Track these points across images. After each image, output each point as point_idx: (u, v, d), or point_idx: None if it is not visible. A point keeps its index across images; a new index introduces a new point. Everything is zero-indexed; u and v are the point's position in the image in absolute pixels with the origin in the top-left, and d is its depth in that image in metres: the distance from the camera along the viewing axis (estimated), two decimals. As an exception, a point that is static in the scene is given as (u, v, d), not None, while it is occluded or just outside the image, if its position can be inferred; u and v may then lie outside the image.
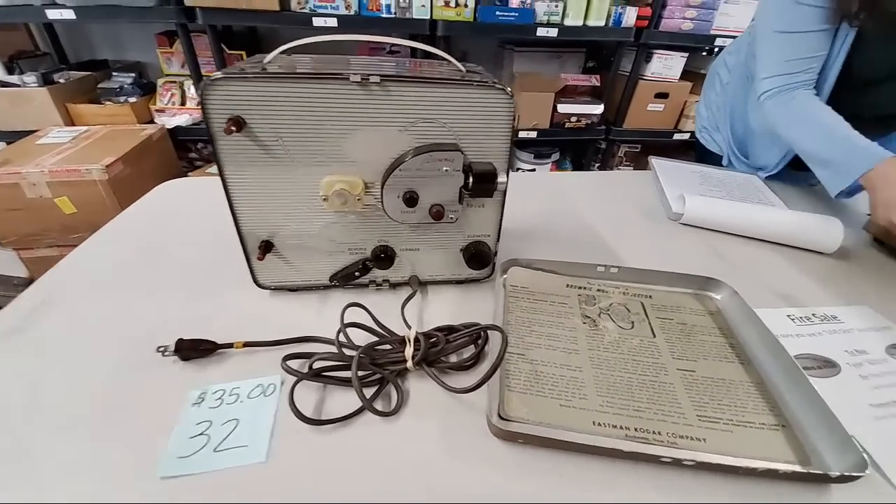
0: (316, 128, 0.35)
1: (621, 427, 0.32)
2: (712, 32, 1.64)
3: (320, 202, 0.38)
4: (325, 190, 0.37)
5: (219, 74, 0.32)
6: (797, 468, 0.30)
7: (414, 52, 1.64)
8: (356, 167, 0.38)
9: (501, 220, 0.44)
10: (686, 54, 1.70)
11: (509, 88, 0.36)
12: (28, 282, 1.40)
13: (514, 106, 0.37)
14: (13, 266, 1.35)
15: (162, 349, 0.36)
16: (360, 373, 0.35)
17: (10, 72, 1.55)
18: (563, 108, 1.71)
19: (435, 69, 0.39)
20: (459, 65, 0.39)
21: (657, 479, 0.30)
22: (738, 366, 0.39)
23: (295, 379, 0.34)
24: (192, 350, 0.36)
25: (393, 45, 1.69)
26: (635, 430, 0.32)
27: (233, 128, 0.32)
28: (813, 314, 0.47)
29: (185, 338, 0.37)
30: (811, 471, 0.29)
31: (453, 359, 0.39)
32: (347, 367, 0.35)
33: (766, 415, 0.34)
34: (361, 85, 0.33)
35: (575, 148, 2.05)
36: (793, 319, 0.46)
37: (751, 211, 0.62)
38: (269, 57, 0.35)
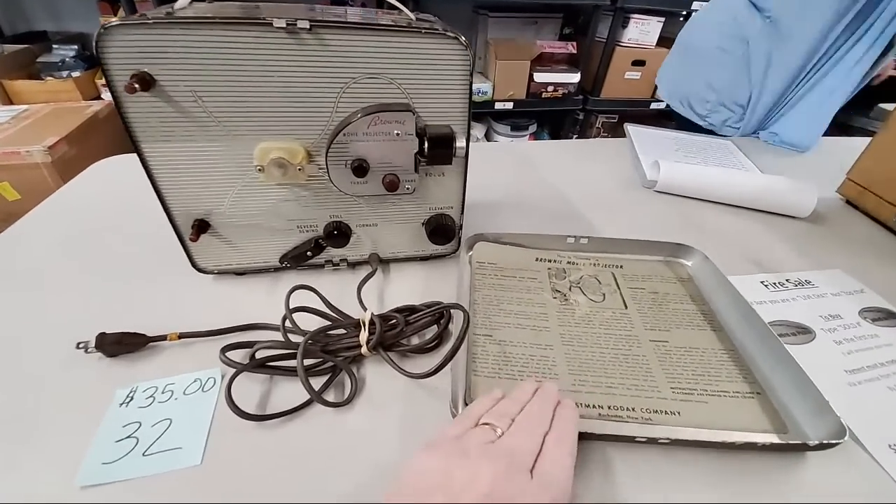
0: (240, 85, 0.30)
1: (594, 406, 0.30)
2: (690, -5, 1.59)
3: (256, 174, 0.34)
4: (260, 159, 0.33)
5: (115, 21, 0.27)
6: (775, 439, 0.28)
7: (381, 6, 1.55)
8: (294, 132, 0.33)
9: (465, 189, 0.40)
10: (663, 19, 1.65)
11: (463, 38, 0.32)
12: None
13: (470, 58, 0.33)
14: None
15: (82, 345, 0.32)
16: (309, 361, 0.32)
17: (-65, 46, 1.40)
18: (539, 77, 1.66)
19: (380, 17, 0.34)
20: (409, 13, 0.35)
21: (632, 458, 0.28)
22: (711, 333, 0.37)
23: (234, 371, 0.31)
24: (118, 345, 0.32)
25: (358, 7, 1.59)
26: (609, 407, 0.30)
27: (136, 85, 0.27)
28: (786, 279, 0.45)
29: (109, 331, 0.33)
30: (790, 441, 0.28)
31: (415, 341, 0.36)
32: (295, 356, 0.32)
33: (739, 383, 0.33)
34: (290, 32, 0.28)
35: (553, 119, 2.00)
36: (766, 285, 0.44)
37: (725, 176, 0.60)
38: (182, 2, 0.30)
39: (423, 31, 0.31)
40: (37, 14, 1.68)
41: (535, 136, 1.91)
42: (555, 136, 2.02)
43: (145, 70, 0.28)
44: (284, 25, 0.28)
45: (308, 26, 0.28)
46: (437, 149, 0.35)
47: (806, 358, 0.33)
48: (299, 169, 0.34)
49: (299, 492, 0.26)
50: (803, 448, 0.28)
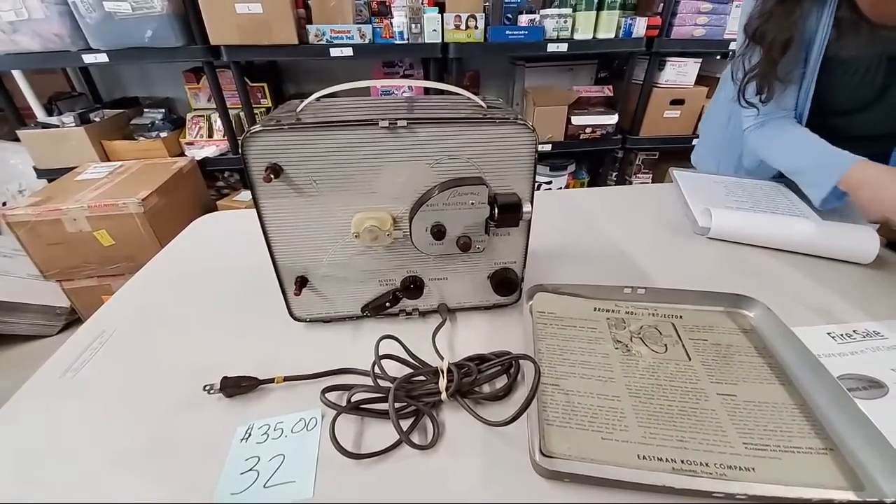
0: (346, 170, 0.37)
1: (667, 459, 0.31)
2: (726, 37, 1.62)
3: (352, 238, 0.40)
4: (356, 227, 0.39)
5: (258, 127, 0.34)
6: (852, 496, 0.29)
7: (427, 78, 1.67)
8: (385, 204, 0.39)
9: (527, 246, 0.45)
10: (700, 60, 1.69)
11: (531, 123, 0.37)
12: (69, 311, 1.47)
13: (536, 139, 0.38)
14: (55, 297, 1.43)
15: (208, 387, 0.38)
16: (396, 405, 0.36)
17: (50, 113, 1.65)
18: (577, 120, 1.71)
19: (457, 106, 0.40)
20: (479, 100, 0.41)
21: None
22: (780, 387, 0.38)
23: (335, 413, 0.35)
24: (236, 387, 0.38)
25: (406, 69, 1.73)
26: (682, 462, 0.31)
27: (271, 175, 0.34)
28: (854, 330, 0.45)
29: (228, 375, 0.38)
30: (867, 499, 0.28)
31: (486, 389, 0.39)
32: (384, 400, 0.36)
33: (812, 438, 0.33)
34: (390, 129, 0.35)
35: (591, 158, 2.04)
36: (833, 337, 0.44)
37: (782, 222, 0.61)
38: (302, 105, 0.37)
39: (498, 119, 0.36)
40: (131, 82, 1.95)
41: (574, 175, 1.95)
42: (594, 174, 2.05)
43: (276, 163, 0.35)
44: (387, 125, 0.34)
45: (406, 124, 0.34)
46: (506, 214, 0.39)
47: (879, 413, 0.33)
48: (387, 234, 0.40)
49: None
50: (882, 506, 0.29)
